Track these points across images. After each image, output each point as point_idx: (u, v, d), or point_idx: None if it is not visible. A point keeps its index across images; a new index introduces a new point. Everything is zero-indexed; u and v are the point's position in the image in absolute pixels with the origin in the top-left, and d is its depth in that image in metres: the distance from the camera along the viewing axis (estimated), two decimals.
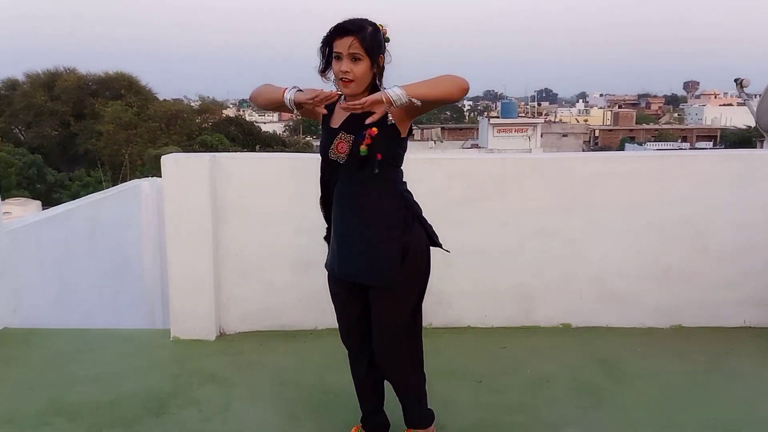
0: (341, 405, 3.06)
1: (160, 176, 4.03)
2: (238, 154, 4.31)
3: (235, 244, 3.96)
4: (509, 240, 4.05)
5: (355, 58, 2.18)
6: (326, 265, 2.51)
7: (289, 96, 2.26)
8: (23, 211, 13.10)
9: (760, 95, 4.68)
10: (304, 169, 3.99)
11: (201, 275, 3.88)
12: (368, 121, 2.11)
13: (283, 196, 3.95)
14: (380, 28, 2.24)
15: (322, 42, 2.23)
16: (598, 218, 4.03)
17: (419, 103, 2.10)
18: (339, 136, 2.27)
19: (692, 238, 4.03)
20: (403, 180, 2.41)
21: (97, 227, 5.27)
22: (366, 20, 2.22)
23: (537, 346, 3.82)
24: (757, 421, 2.95)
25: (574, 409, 3.08)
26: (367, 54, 2.19)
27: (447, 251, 2.54)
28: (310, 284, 3.89)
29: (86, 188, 29.66)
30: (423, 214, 2.44)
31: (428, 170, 3.96)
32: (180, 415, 3.01)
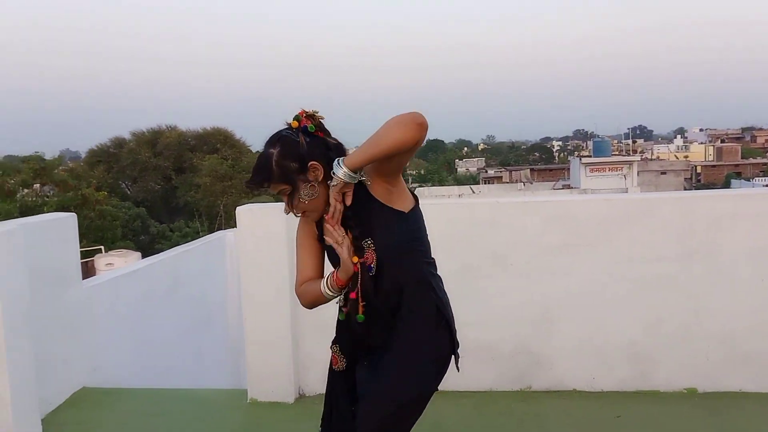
0: None
1: None
2: None
3: None
4: (617, 292, 3.57)
5: (288, 194, 1.91)
6: None
7: (325, 284, 2.05)
8: (124, 262, 13.59)
9: None
10: None
11: (278, 333, 3.63)
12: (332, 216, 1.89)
13: None
14: (296, 119, 1.91)
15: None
16: (723, 266, 3.49)
17: (367, 180, 1.84)
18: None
19: None
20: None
21: (179, 280, 5.19)
22: (268, 151, 1.90)
23: (656, 415, 3.29)
24: None
25: None
26: (289, 183, 1.89)
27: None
28: None
29: (185, 238, 30.86)
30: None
31: (521, 216, 3.59)
32: None
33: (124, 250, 18.31)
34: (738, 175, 58.58)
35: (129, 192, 40.76)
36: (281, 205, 3.93)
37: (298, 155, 1.88)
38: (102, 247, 20.03)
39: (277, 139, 1.91)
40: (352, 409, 2.02)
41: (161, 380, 4.48)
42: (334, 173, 1.81)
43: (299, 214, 1.98)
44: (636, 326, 3.56)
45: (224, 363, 5.82)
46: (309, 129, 1.91)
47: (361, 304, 1.92)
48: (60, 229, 3.71)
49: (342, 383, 2.11)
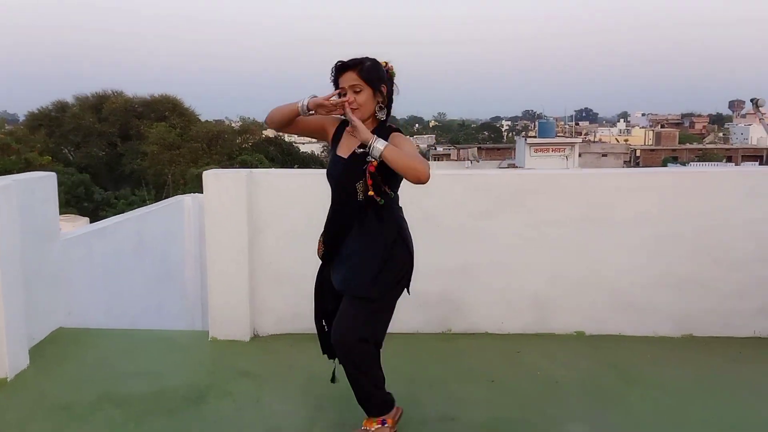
0: None
1: (203, 193, 4.40)
2: (273, 170, 4.67)
3: (269, 254, 4.28)
4: (527, 250, 4.28)
5: (356, 91, 2.56)
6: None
7: (302, 102, 2.63)
8: (73, 226, 13.72)
9: None
10: None
11: (238, 282, 4.21)
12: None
13: (312, 209, 4.24)
14: (383, 63, 2.62)
15: (332, 80, 2.62)
16: (613, 230, 4.23)
17: (374, 160, 2.50)
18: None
19: (705, 248, 4.19)
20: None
21: (143, 240, 5.68)
22: (366, 57, 2.58)
23: (550, 352, 4.03)
24: (765, 428, 3.09)
25: (581, 408, 3.28)
26: (367, 84, 2.56)
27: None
28: None
29: (131, 206, 30.58)
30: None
31: (450, 185, 4.24)
32: (216, 405, 3.32)
33: (72, 215, 18.29)
34: (675, 160, 61.05)
35: (72, 158, 39.85)
36: (243, 171, 4.49)
37: (382, 73, 2.61)
38: None
39: (370, 58, 2.58)
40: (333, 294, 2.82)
41: (127, 326, 5.01)
42: (374, 146, 2.45)
43: (351, 110, 2.54)
44: (539, 279, 4.29)
45: (181, 314, 6.35)
46: (390, 73, 2.66)
47: (369, 184, 2.57)
48: (44, 186, 4.17)
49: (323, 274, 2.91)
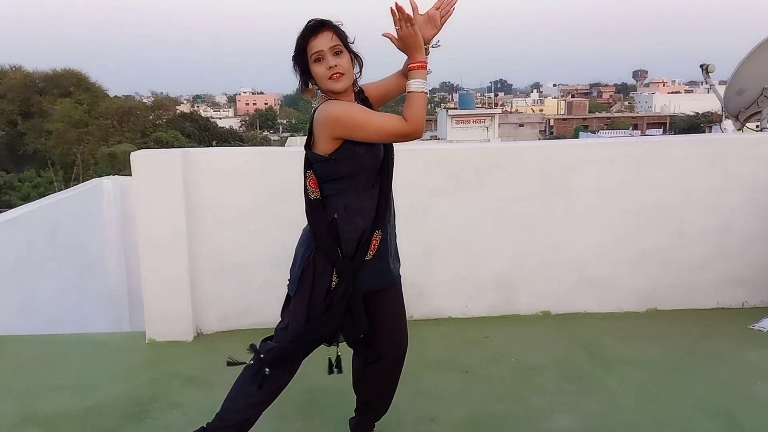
0: (330, 402, 3.00)
1: (115, 174, 3.89)
2: (211, 149, 4.19)
3: (210, 242, 3.85)
4: (488, 229, 4.04)
5: (336, 52, 2.13)
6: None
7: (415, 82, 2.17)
8: None
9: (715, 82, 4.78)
10: (279, 163, 3.91)
11: (176, 275, 3.76)
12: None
13: (258, 191, 3.85)
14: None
15: (296, 52, 2.16)
16: (575, 204, 4.05)
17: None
18: None
19: (667, 221, 4.08)
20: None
21: (58, 229, 5.06)
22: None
23: (519, 335, 3.83)
24: (742, 399, 3.00)
25: (563, 397, 3.08)
26: (344, 46, 2.15)
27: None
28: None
29: (37, 189, 28.73)
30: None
31: (407, 160, 3.91)
32: (163, 420, 2.91)
33: None
34: (585, 128, 63.31)
35: None
36: (177, 151, 4.02)
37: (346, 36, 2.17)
38: None
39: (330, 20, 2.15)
40: None
41: (47, 329, 4.44)
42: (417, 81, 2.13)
43: (336, 73, 2.12)
44: (503, 259, 4.07)
45: (105, 311, 5.77)
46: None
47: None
48: None
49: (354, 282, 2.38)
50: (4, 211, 5.30)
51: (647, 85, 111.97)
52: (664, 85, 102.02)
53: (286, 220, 3.84)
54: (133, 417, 2.92)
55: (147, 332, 3.79)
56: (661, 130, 59.46)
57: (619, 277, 4.11)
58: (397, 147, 3.78)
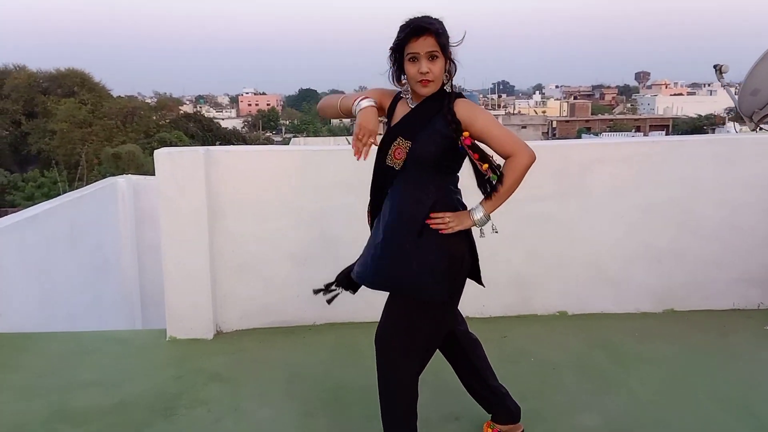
0: (355, 399, 3.03)
1: (119, 174, 3.91)
2: (233, 147, 4.22)
3: (231, 240, 3.88)
4: (506, 228, 4.06)
5: (432, 57, 2.14)
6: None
7: (357, 106, 2.25)
8: None
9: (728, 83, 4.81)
10: (301, 162, 3.94)
11: (198, 273, 3.79)
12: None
13: (280, 189, 3.88)
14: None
15: (394, 46, 2.17)
16: (592, 203, 4.07)
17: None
18: (396, 142, 2.23)
19: (682, 220, 4.11)
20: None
21: (76, 227, 5.10)
22: (434, 18, 2.17)
23: (538, 335, 3.85)
24: (763, 396, 3.02)
25: (585, 395, 3.10)
26: (442, 52, 2.15)
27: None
28: (309, 278, 3.81)
29: (41, 189, 28.75)
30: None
31: None
32: (190, 416, 2.93)
33: None
34: (588, 130, 63.28)
35: None
36: (200, 149, 4.07)
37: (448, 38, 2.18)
38: None
39: (438, 20, 2.17)
40: None
41: (66, 325, 4.48)
42: (479, 219, 2.51)
43: (425, 80, 2.15)
44: (520, 259, 4.09)
45: (120, 308, 5.82)
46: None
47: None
48: None
49: None
50: (8, 211, 5.33)
51: (650, 87, 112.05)
52: (666, 87, 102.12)
53: (306, 218, 3.89)
54: (161, 413, 2.95)
55: (168, 330, 3.82)
56: (663, 132, 59.41)
57: (635, 276, 4.13)
58: None
